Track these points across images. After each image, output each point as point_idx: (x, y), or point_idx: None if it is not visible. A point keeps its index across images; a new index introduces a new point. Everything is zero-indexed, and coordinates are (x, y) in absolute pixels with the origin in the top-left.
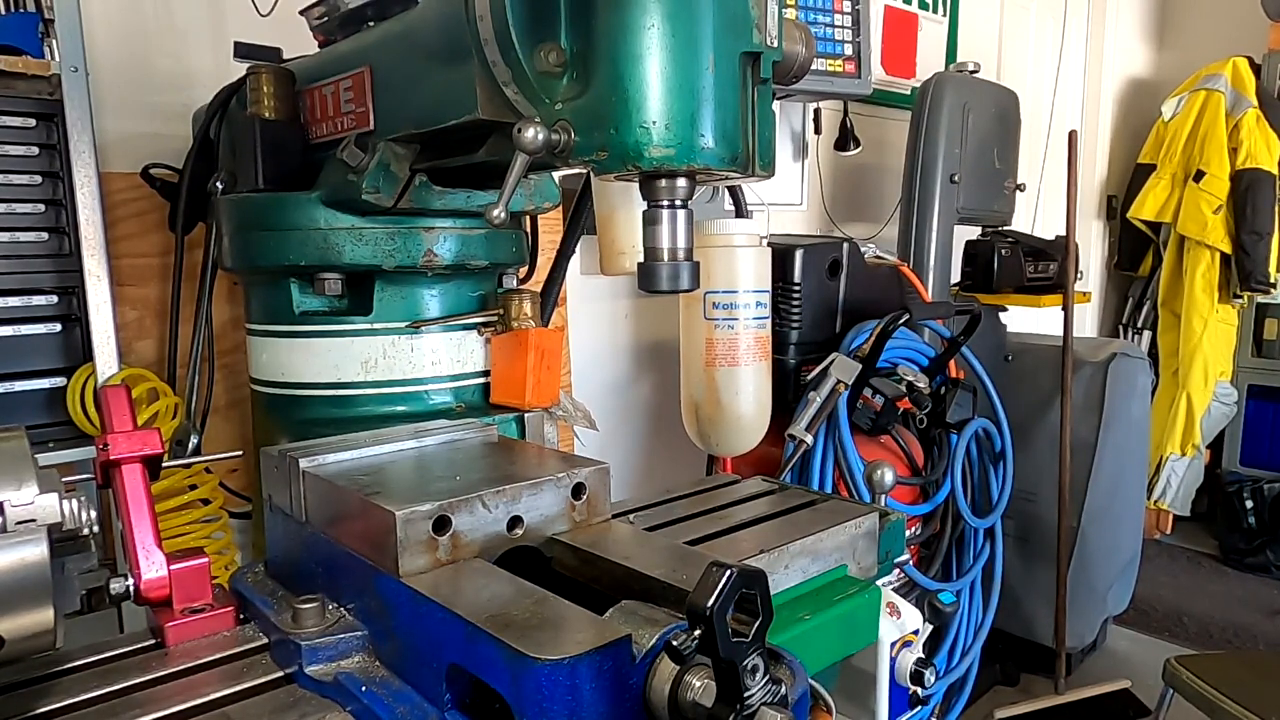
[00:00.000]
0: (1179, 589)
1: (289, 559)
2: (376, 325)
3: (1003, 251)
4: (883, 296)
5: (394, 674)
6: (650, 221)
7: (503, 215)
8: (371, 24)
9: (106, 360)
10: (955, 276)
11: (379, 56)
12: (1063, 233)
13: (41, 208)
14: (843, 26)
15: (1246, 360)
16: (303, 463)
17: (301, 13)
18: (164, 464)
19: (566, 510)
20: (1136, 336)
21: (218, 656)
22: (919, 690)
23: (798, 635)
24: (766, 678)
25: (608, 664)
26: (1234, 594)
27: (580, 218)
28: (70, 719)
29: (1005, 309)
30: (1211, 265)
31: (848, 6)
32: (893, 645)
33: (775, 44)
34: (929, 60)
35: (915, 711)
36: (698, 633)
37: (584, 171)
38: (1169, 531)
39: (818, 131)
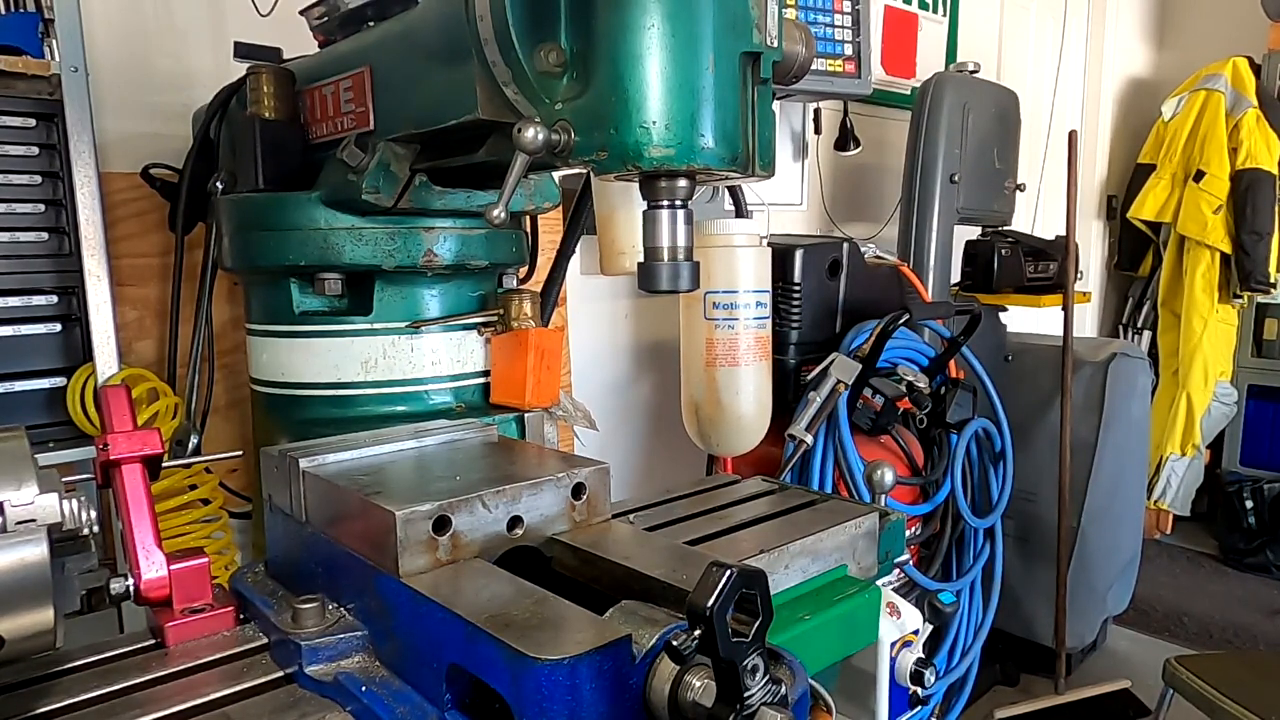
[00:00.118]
0: (1179, 589)
1: (289, 559)
2: (376, 325)
3: (1003, 251)
4: (883, 296)
5: (394, 674)
6: (650, 221)
7: (503, 215)
8: (371, 24)
9: (106, 360)
10: (955, 276)
11: (379, 56)
12: (1063, 233)
13: (41, 208)
14: (843, 26)
15: (1246, 360)
16: (303, 463)
17: (301, 13)
18: (164, 464)
19: (566, 510)
20: (1136, 336)
21: (218, 656)
22: (919, 690)
23: (798, 635)
24: (766, 678)
25: (608, 664)
26: (1234, 594)
27: (580, 218)
28: (70, 719)
29: (1005, 309)
30: (1211, 265)
31: (848, 6)
32: (893, 645)
33: (775, 44)
34: (929, 60)
35: (915, 711)
36: (698, 633)
37: (584, 171)
38: (1169, 531)
39: (818, 131)
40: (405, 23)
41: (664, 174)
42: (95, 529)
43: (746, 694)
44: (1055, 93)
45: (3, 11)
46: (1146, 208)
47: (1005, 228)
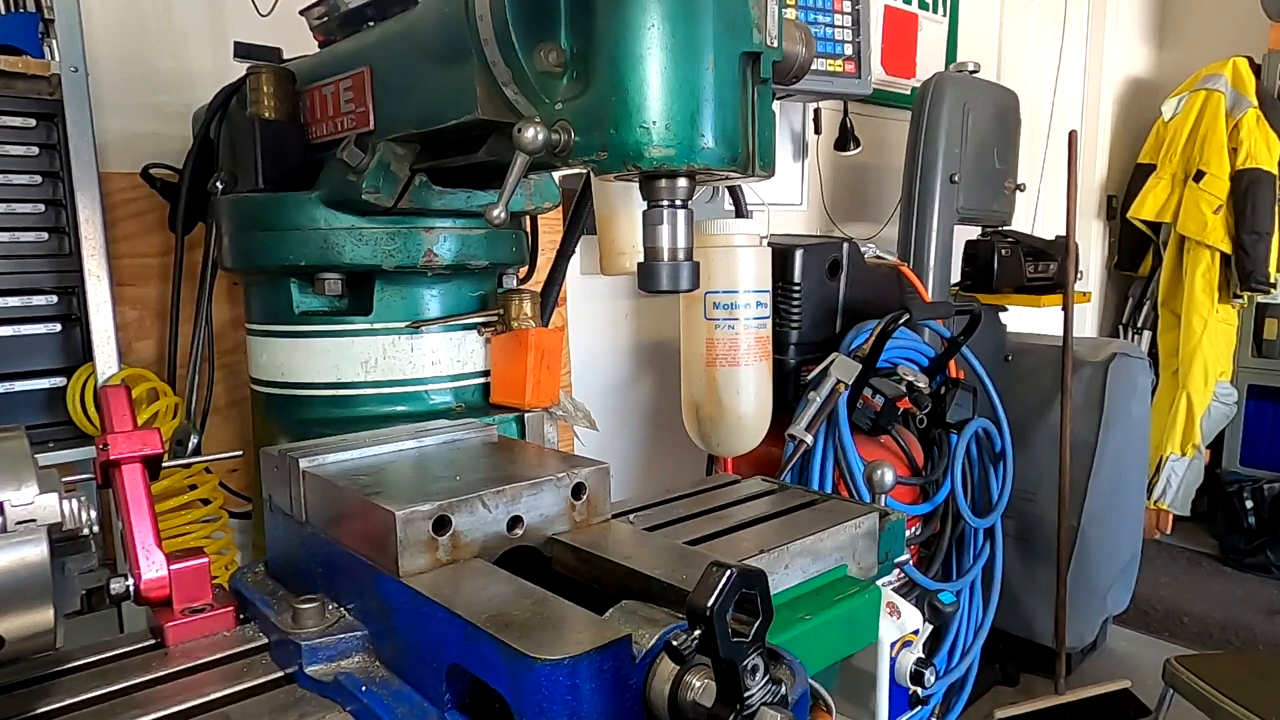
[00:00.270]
0: (1179, 589)
1: (289, 559)
2: (376, 325)
3: (1003, 251)
4: (883, 296)
5: (394, 674)
6: (650, 221)
7: (503, 215)
8: (371, 24)
9: (106, 360)
10: (955, 276)
11: (379, 56)
12: (1063, 233)
13: (41, 208)
14: (843, 26)
15: (1246, 360)
16: (303, 463)
17: (301, 13)
18: (164, 464)
19: (566, 510)
20: (1136, 336)
21: (218, 656)
22: (919, 690)
23: (798, 635)
24: (766, 678)
25: (608, 664)
26: (1234, 594)
27: (580, 218)
28: (70, 719)
29: (1005, 309)
30: (1211, 265)
31: (848, 6)
32: (893, 645)
33: (775, 44)
34: (929, 60)
35: (915, 711)
36: (698, 633)
37: (584, 171)
38: (1169, 531)
39: (818, 131)
40: (405, 23)
41: (664, 174)
42: (95, 529)
43: (746, 694)
44: (1055, 93)
45: (3, 11)
46: (1146, 208)
47: (1005, 228)
